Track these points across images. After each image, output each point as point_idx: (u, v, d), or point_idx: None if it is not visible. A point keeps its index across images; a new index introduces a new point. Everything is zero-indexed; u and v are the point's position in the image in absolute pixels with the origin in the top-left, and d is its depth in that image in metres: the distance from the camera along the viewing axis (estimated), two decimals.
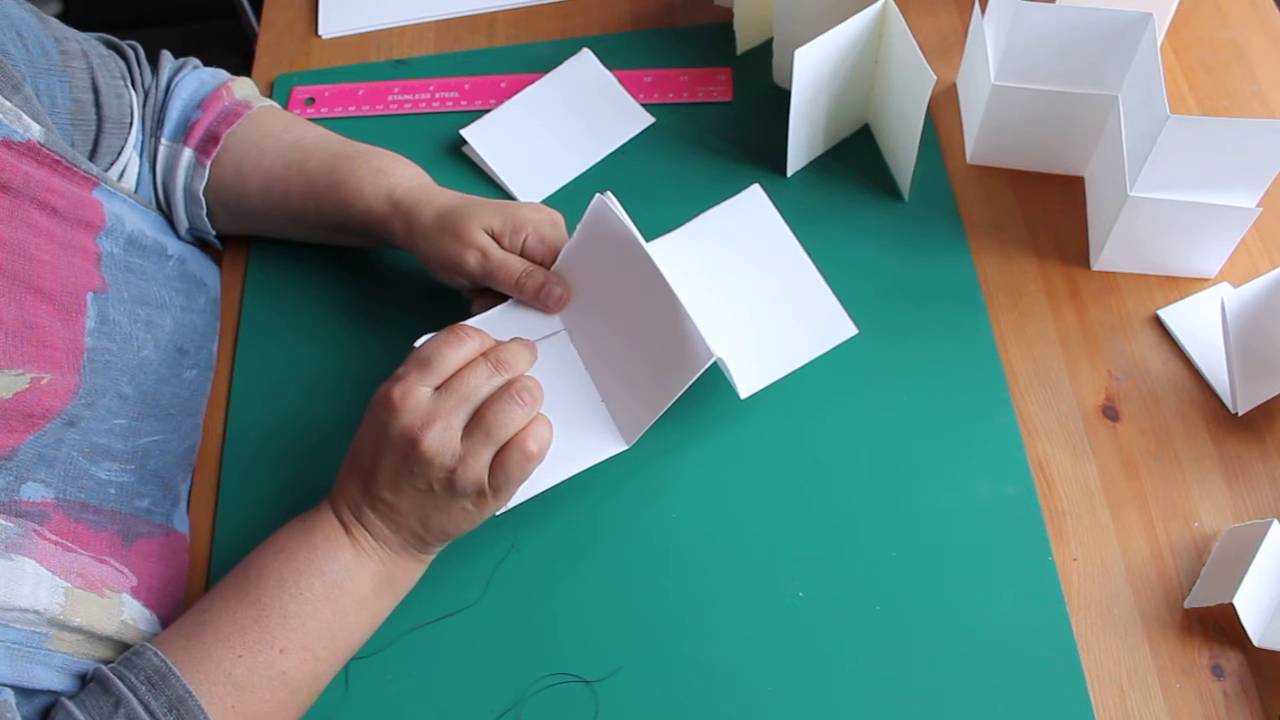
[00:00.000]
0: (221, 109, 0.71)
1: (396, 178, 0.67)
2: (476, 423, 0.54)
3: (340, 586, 0.55)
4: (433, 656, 0.59)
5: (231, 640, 0.52)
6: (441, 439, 0.53)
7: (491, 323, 0.64)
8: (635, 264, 0.60)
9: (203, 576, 0.64)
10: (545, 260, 0.64)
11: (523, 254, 0.63)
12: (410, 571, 0.58)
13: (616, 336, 0.62)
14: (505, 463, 0.54)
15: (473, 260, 0.62)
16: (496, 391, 0.55)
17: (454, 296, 0.68)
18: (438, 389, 0.54)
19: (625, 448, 0.60)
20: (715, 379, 0.67)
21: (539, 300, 0.63)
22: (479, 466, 0.53)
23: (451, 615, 0.60)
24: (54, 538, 0.53)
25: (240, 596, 0.54)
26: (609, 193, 0.61)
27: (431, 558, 0.59)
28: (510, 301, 0.64)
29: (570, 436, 0.60)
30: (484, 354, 0.56)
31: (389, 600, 0.57)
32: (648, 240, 0.65)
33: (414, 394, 0.54)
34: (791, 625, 0.59)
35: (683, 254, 0.65)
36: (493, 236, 0.63)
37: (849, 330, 0.64)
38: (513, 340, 0.58)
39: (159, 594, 0.60)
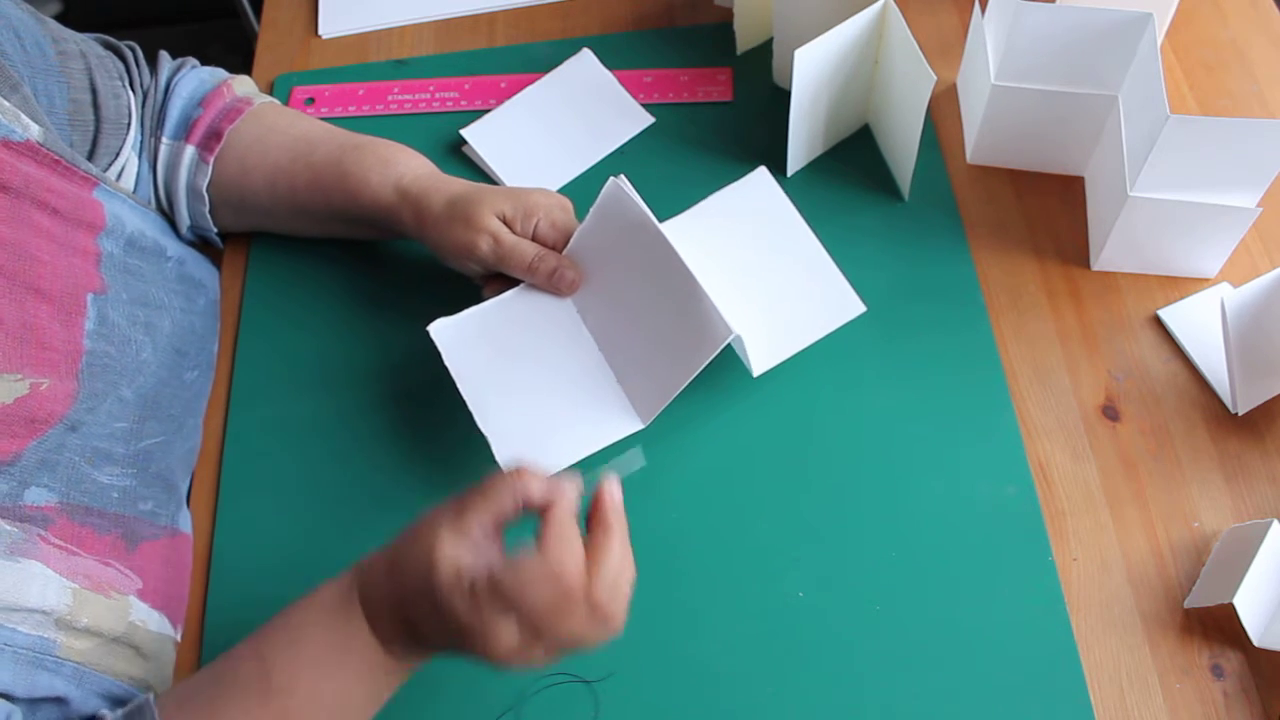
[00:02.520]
0: (223, 106, 0.71)
1: (403, 167, 0.68)
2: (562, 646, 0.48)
3: (375, 697, 0.51)
4: (433, 657, 0.59)
5: None
6: (525, 664, 0.47)
7: (503, 307, 0.65)
8: (650, 245, 0.60)
9: (203, 576, 0.64)
10: (557, 244, 0.64)
11: (534, 239, 0.64)
12: None
13: (631, 317, 0.62)
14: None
15: (485, 246, 0.63)
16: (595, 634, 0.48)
17: (454, 290, 0.68)
18: (521, 624, 0.46)
19: (642, 426, 0.61)
20: (717, 375, 0.67)
21: (551, 284, 0.63)
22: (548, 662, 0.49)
23: None
24: (58, 542, 0.53)
25: (263, 704, 0.48)
26: (622, 175, 0.61)
27: None
28: (522, 286, 0.65)
29: (586, 418, 0.60)
30: (584, 594, 0.46)
31: None
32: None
33: (498, 636, 0.46)
34: (791, 625, 0.59)
35: (691, 235, 0.65)
36: (504, 222, 0.63)
37: (857, 308, 0.65)
38: (614, 551, 0.48)
39: (165, 596, 0.60)
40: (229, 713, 0.48)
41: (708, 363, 0.58)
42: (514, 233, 0.64)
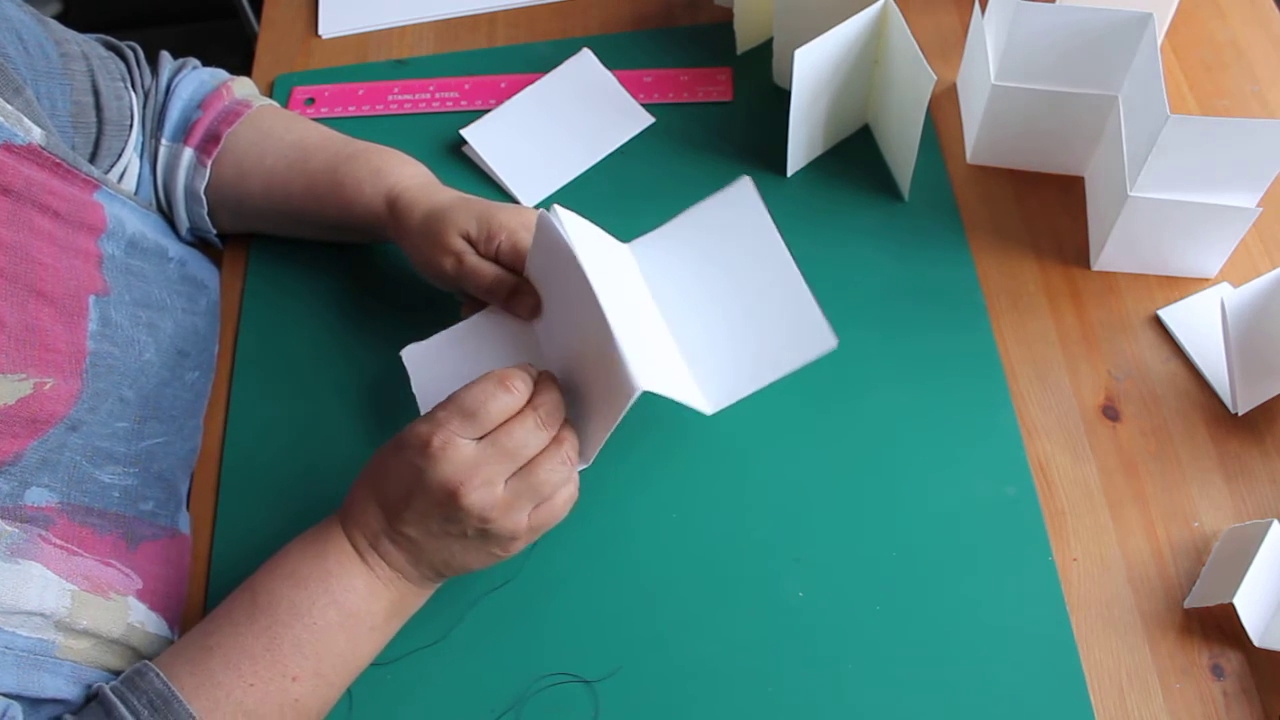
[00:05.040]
0: (222, 108, 0.71)
1: (395, 177, 0.67)
2: (524, 478, 0.52)
3: (355, 615, 0.53)
4: (433, 657, 0.59)
5: (242, 668, 0.51)
6: (485, 495, 0.51)
7: (472, 330, 0.63)
8: (577, 283, 0.56)
9: (203, 576, 0.64)
10: (518, 266, 0.62)
11: (497, 259, 0.63)
12: (422, 597, 0.57)
13: (573, 352, 0.60)
14: (535, 517, 0.54)
15: (449, 265, 0.62)
16: (547, 449, 0.53)
17: (453, 290, 0.68)
18: (480, 439, 0.52)
19: (584, 466, 0.58)
20: None
21: (510, 308, 0.62)
22: (520, 519, 0.53)
23: (452, 622, 0.61)
24: (59, 542, 0.53)
25: (250, 623, 0.52)
26: (555, 206, 0.58)
27: (441, 584, 0.58)
28: (491, 307, 0.64)
29: None
30: (530, 404, 0.53)
31: (399, 622, 0.57)
32: (631, 238, 0.64)
33: (455, 444, 0.51)
34: (791, 625, 0.59)
35: (663, 253, 0.63)
36: (470, 241, 0.63)
37: (827, 343, 0.59)
38: (553, 386, 0.55)
39: (164, 596, 0.60)
40: (221, 639, 0.52)
41: (623, 414, 0.54)
42: (479, 253, 0.63)
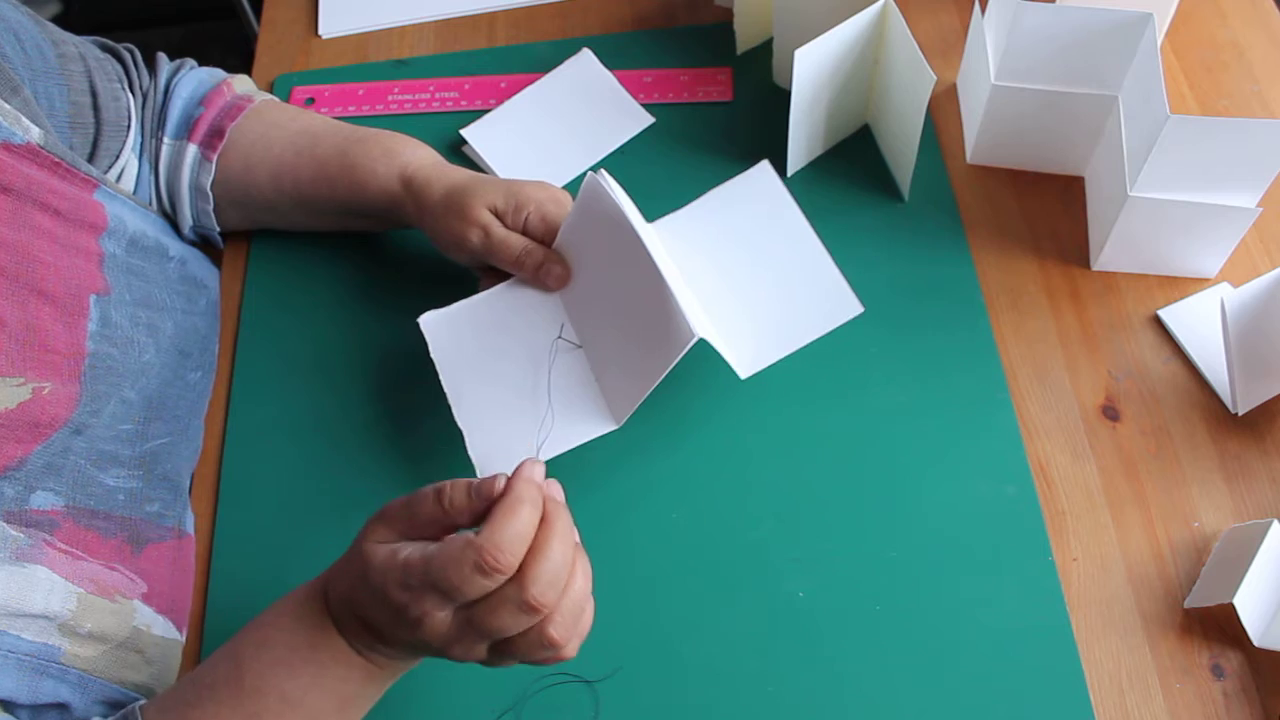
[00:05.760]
0: (224, 104, 0.71)
1: (408, 156, 0.68)
2: (505, 649, 0.47)
3: (352, 701, 0.50)
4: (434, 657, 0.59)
5: None
6: (466, 654, 0.47)
7: (493, 301, 0.65)
8: (625, 242, 0.59)
9: (203, 576, 0.64)
10: (546, 238, 0.64)
11: (525, 232, 0.64)
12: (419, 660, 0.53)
13: (609, 315, 0.62)
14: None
15: (475, 238, 0.63)
16: (528, 638, 0.46)
17: (454, 288, 0.68)
18: (459, 609, 0.46)
19: (615, 427, 0.61)
20: (716, 373, 0.67)
21: (538, 279, 0.63)
22: (509, 663, 0.48)
23: None
24: (64, 547, 0.53)
25: (235, 705, 0.48)
26: (603, 170, 0.61)
27: None
28: (513, 280, 0.65)
29: (560, 417, 0.60)
30: (518, 579, 0.44)
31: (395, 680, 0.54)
32: (654, 219, 0.65)
33: (431, 618, 0.45)
34: (791, 625, 0.59)
35: (687, 231, 0.65)
36: (496, 214, 0.63)
37: (854, 309, 0.64)
38: (554, 547, 0.45)
39: (170, 599, 0.59)
40: (203, 715, 0.48)
41: (674, 364, 0.57)
42: (505, 225, 0.63)
